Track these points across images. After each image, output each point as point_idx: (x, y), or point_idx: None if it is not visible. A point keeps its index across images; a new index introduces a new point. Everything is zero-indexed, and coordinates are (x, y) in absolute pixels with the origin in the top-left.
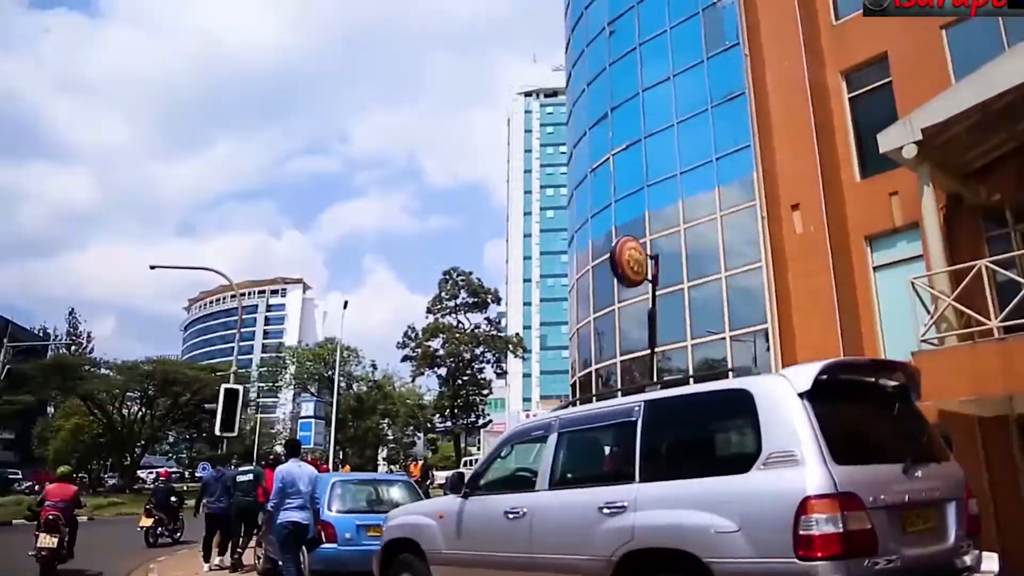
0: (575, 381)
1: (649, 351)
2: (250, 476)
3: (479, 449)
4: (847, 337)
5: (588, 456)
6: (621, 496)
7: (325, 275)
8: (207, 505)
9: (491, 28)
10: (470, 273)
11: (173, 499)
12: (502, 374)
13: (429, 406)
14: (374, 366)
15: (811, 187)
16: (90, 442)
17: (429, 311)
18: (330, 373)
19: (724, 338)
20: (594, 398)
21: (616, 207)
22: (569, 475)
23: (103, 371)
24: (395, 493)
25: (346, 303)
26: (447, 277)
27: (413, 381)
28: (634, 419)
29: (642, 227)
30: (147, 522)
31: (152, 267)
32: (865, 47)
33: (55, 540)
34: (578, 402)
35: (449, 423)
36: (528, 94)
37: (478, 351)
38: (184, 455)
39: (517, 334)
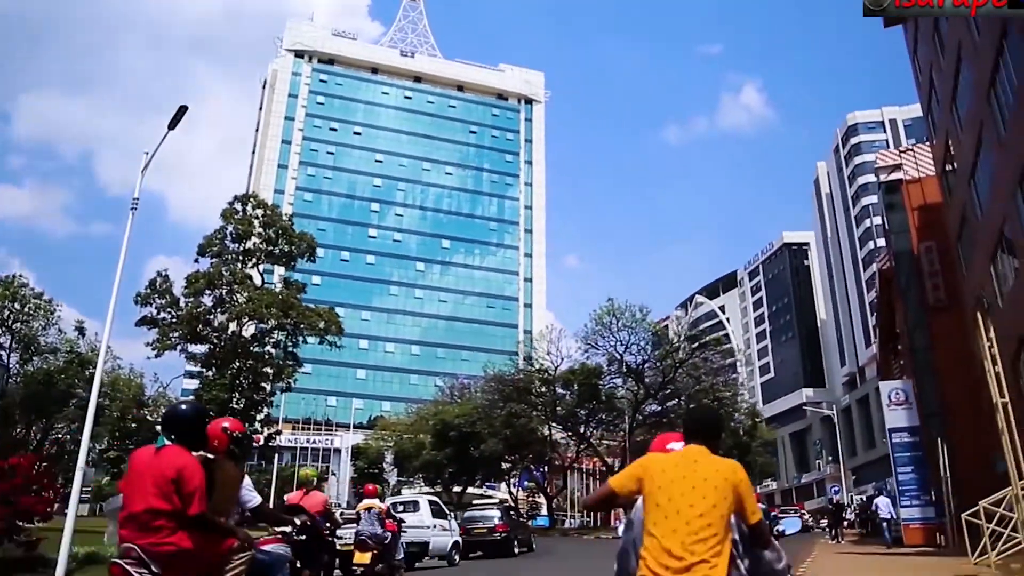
0: None
1: None
2: None
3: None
4: None
5: None
6: None
7: None
8: None
9: (198, 38)
10: (275, 207)
11: None
12: (294, 364)
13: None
14: (80, 330)
15: None
16: None
17: (202, 253)
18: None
19: None
20: None
21: None
22: None
23: None
24: None
25: (184, 108)
26: (237, 207)
27: (158, 356)
28: None
29: None
30: None
31: None
32: None
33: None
34: None
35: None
36: (300, 55)
37: (287, 322)
38: None
39: (330, 308)
